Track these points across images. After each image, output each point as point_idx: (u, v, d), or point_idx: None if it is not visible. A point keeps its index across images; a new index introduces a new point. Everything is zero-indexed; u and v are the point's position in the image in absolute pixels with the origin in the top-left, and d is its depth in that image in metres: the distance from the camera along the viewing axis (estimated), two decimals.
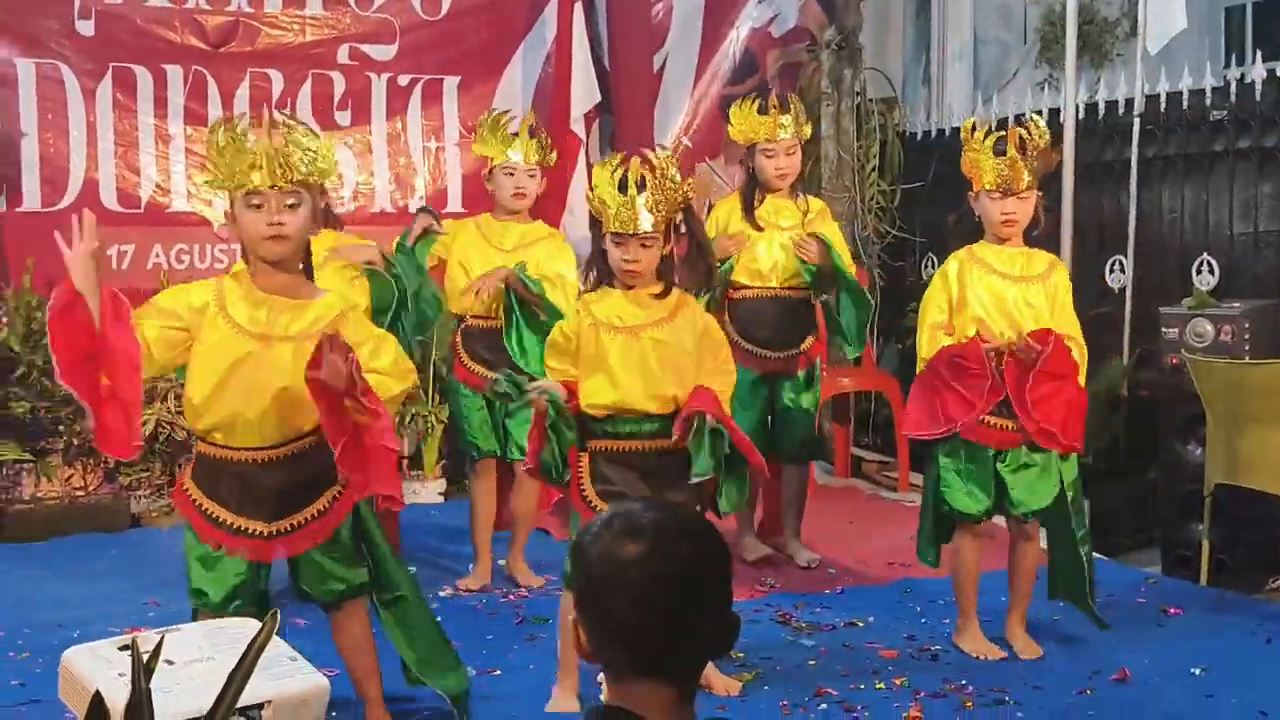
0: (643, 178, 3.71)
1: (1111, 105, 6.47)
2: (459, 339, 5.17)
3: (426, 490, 6.65)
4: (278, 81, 6.69)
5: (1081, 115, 6.37)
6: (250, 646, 1.98)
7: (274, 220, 3.26)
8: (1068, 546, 4.34)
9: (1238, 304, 5.48)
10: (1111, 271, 6.40)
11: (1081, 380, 4.23)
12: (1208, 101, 6.04)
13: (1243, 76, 5.97)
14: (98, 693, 1.97)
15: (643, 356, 3.76)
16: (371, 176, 6.90)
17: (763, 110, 5.17)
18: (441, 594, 5.04)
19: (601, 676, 1.85)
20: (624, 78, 7.20)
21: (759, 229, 5.17)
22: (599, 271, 3.87)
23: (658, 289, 3.82)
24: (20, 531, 5.89)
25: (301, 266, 3.43)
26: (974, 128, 4.28)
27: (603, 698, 1.85)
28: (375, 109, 6.89)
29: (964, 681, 4.13)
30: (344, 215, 6.73)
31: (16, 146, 6.24)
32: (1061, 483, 4.25)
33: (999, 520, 4.42)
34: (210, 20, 6.55)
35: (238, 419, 3.27)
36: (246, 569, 3.37)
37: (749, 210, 5.20)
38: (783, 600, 4.94)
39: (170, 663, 2.55)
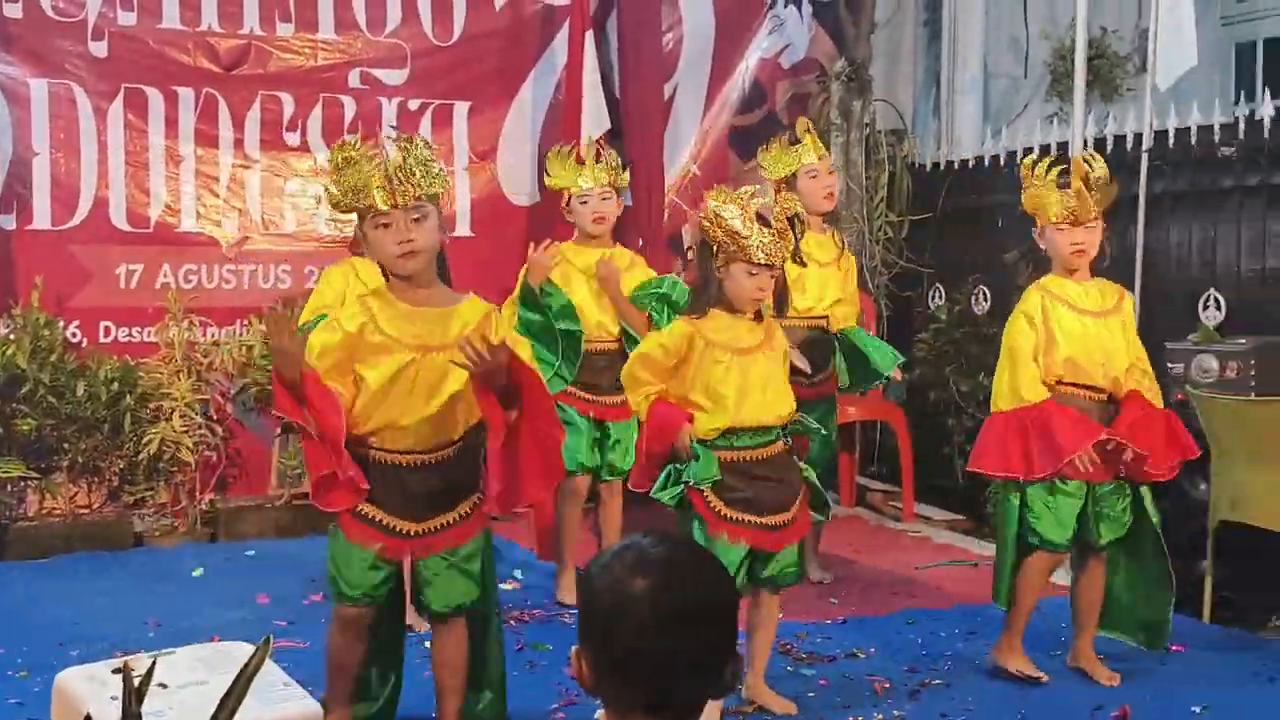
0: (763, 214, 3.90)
1: (1120, 140, 6.44)
2: None
3: None
4: (289, 104, 6.72)
5: (1089, 150, 6.35)
6: (242, 671, 1.97)
7: (402, 239, 3.38)
8: (1146, 571, 4.48)
9: (1244, 340, 5.46)
10: None
11: (1159, 404, 4.40)
12: (1216, 138, 6.02)
13: (1252, 113, 5.94)
14: (88, 716, 1.97)
15: (759, 376, 3.93)
16: None
17: (793, 142, 5.23)
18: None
19: (600, 713, 1.85)
20: (634, 106, 7.19)
21: (803, 264, 5.19)
22: (707, 297, 3.98)
23: (751, 314, 3.99)
24: (23, 549, 5.89)
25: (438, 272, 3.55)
26: (1034, 164, 4.37)
27: None
28: (385, 133, 6.92)
29: (963, 717, 4.11)
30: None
31: (28, 165, 6.28)
32: (1142, 508, 4.41)
33: None
34: (222, 43, 6.59)
35: (393, 425, 3.40)
36: (387, 567, 3.49)
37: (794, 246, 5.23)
38: (784, 630, 4.90)
39: (164, 686, 2.54)
